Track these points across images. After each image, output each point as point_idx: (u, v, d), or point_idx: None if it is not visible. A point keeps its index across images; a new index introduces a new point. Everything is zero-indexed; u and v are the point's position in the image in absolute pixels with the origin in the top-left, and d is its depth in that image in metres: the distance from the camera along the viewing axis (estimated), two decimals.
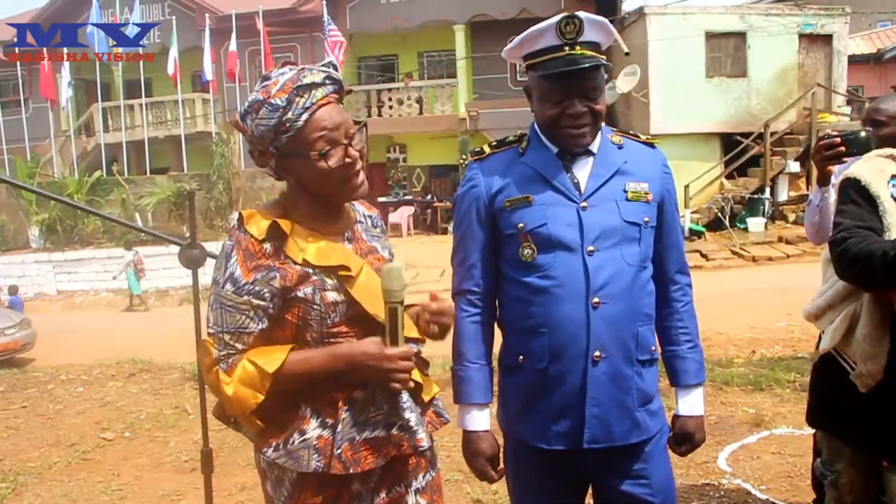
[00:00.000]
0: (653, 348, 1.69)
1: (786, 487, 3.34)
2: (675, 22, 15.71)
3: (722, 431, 4.04)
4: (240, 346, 1.44)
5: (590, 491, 1.81)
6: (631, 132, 1.79)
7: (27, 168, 18.50)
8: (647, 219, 1.67)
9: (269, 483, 1.56)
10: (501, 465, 1.77)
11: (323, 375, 1.46)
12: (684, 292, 1.78)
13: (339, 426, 1.47)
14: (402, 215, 18.52)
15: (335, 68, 1.53)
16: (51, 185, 17.10)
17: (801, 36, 16.20)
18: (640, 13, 16.28)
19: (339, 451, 1.46)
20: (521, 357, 1.67)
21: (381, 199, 19.60)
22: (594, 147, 1.69)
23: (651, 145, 1.77)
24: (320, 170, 1.44)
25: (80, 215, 16.91)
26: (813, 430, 2.94)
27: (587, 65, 1.58)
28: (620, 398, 1.63)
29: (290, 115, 1.42)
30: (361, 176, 1.50)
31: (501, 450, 1.79)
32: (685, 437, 1.76)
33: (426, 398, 1.59)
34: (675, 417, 1.78)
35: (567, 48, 1.60)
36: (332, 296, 1.46)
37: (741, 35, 16.07)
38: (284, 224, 1.46)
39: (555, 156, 1.68)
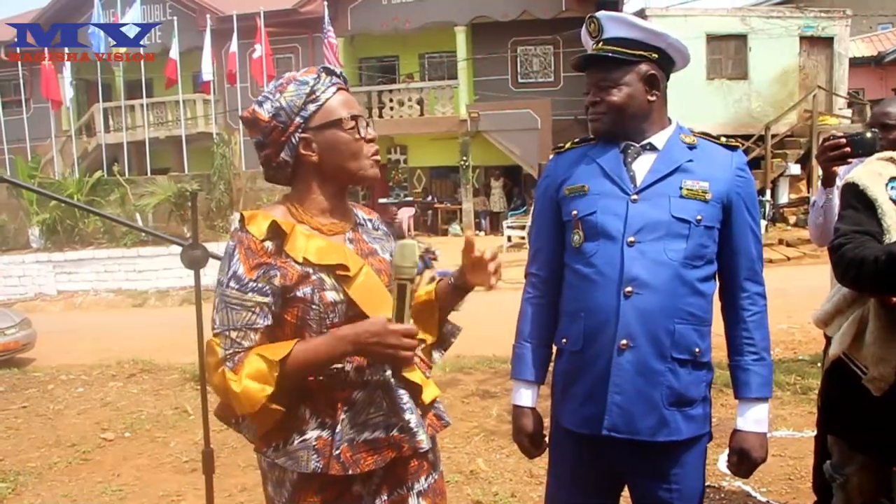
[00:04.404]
0: (696, 350, 1.64)
1: (786, 490, 3.34)
2: (676, 24, 15.68)
3: (722, 434, 3.95)
4: (246, 344, 1.43)
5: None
6: (714, 135, 1.77)
7: (28, 168, 18.49)
8: (699, 217, 1.64)
9: (271, 484, 1.56)
10: (546, 442, 1.84)
11: (328, 360, 1.44)
12: (753, 301, 1.70)
13: (339, 427, 1.47)
14: (403, 216, 18.51)
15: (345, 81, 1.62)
16: (51, 185, 17.05)
17: (802, 38, 16.23)
18: (641, 15, 16.29)
19: (337, 452, 1.46)
20: (564, 340, 1.74)
21: (381, 201, 19.59)
22: (660, 144, 1.72)
23: (732, 148, 1.73)
24: (348, 138, 1.51)
25: (81, 215, 16.86)
26: (814, 433, 2.94)
27: (592, 53, 1.72)
28: (646, 391, 1.61)
29: (319, 85, 1.51)
30: (378, 157, 1.58)
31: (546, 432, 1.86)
32: (742, 455, 1.68)
33: (427, 400, 1.58)
34: (733, 433, 1.71)
35: (594, 46, 1.73)
36: (331, 296, 1.46)
37: (742, 37, 16.11)
38: (285, 224, 1.48)
39: (618, 150, 1.72)
